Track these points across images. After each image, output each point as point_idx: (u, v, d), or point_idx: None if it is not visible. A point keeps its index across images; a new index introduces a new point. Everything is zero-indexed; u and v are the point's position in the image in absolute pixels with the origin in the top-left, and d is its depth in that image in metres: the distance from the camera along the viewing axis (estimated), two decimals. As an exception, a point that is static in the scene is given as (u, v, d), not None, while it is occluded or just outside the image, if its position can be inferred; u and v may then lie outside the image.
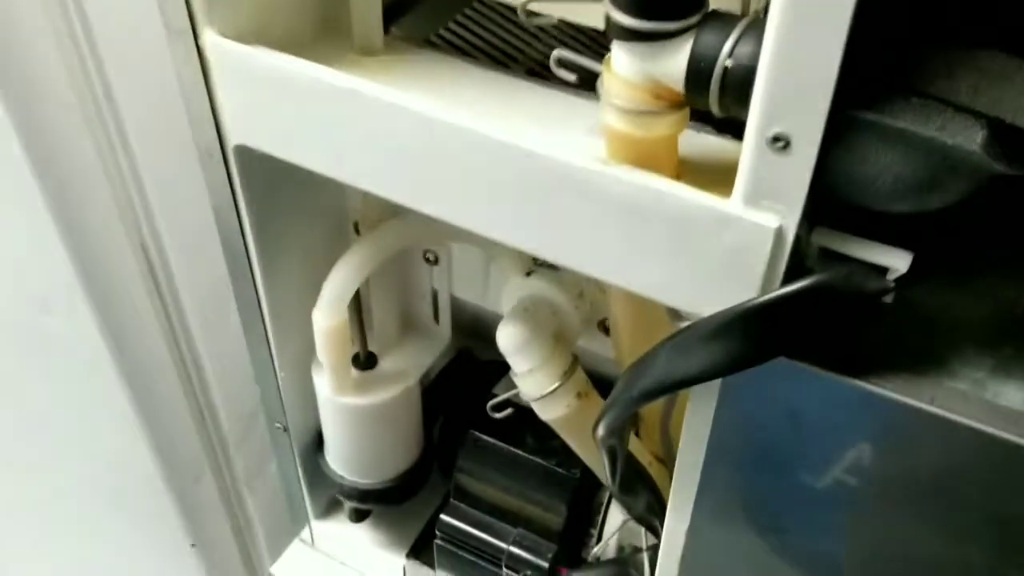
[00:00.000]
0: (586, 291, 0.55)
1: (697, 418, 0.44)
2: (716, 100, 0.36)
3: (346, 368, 0.58)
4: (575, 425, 0.55)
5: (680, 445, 0.46)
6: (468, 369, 0.74)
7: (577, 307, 0.55)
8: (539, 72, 0.56)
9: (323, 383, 0.60)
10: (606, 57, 0.38)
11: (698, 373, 0.39)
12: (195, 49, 0.43)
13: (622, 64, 0.37)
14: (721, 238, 0.36)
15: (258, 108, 0.44)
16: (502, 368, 0.73)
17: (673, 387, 0.41)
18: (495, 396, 0.70)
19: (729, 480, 0.46)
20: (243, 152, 0.47)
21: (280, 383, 0.61)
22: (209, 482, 1.01)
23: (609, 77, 0.38)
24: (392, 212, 0.58)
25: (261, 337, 0.58)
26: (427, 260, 0.63)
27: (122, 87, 0.67)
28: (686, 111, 0.39)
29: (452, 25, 0.53)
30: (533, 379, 0.53)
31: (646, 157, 0.39)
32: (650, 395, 0.42)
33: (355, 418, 0.61)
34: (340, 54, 0.48)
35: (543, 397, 0.53)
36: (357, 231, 0.62)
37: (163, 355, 0.84)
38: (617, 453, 0.49)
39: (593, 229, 0.39)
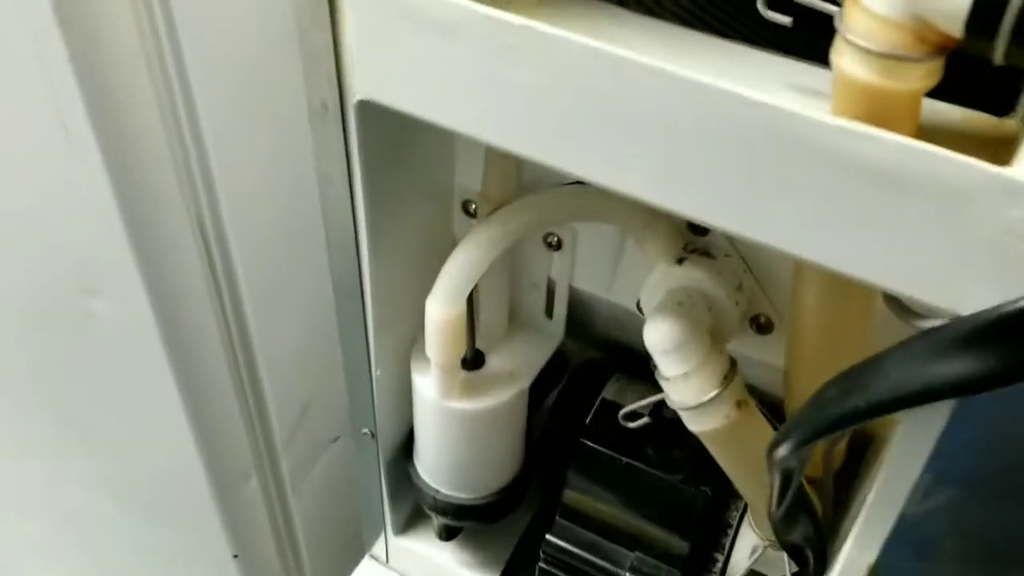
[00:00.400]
0: (745, 282, 0.49)
1: (914, 440, 0.38)
2: (1004, 43, 0.30)
3: (456, 368, 0.52)
4: (731, 438, 0.48)
5: (884, 467, 0.40)
6: (568, 370, 0.68)
7: (737, 301, 0.49)
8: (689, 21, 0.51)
9: (427, 384, 0.54)
10: (849, -10, 0.32)
11: (948, 387, 0.33)
12: (322, -21, 0.37)
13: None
14: (1004, 216, 0.30)
15: (396, 54, 0.38)
16: (605, 368, 0.67)
17: (906, 404, 0.34)
18: (604, 401, 0.64)
19: (946, 511, 0.40)
20: (366, 108, 0.41)
21: (374, 383, 0.56)
22: (255, 484, 0.96)
23: (856, 13, 0.32)
24: (516, 188, 0.52)
25: (359, 329, 0.53)
26: (548, 245, 0.56)
27: (190, 43, 0.61)
28: (943, 59, 0.32)
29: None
30: (688, 385, 0.47)
31: (886, 115, 0.33)
32: (871, 413, 0.35)
33: (462, 425, 0.55)
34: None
35: (699, 406, 0.47)
36: (466, 211, 0.56)
37: (215, 343, 0.79)
38: (793, 478, 0.43)
39: (822, 201, 0.33)
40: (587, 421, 0.62)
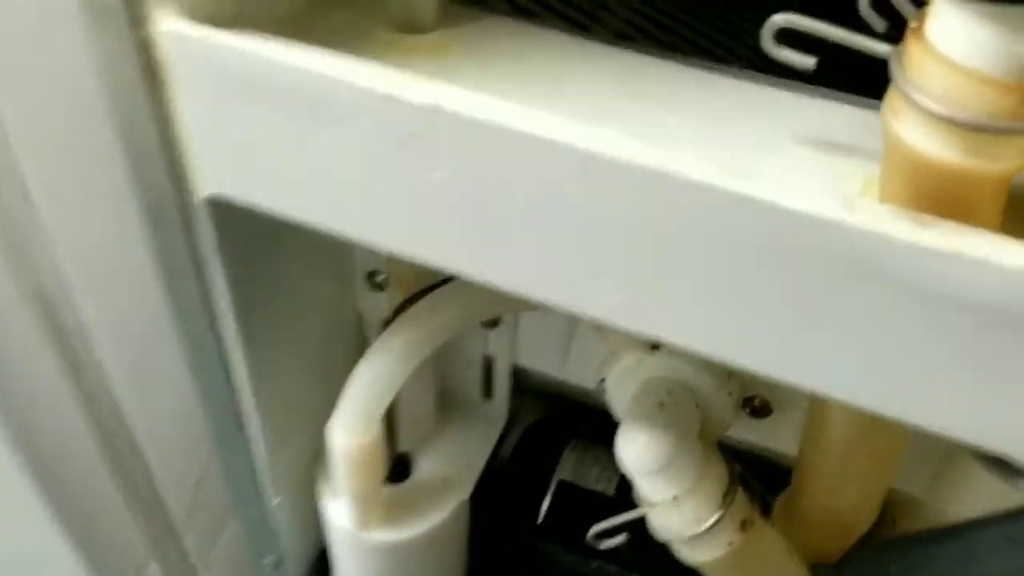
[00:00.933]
0: (737, 366, 0.40)
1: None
2: None
3: (376, 493, 0.42)
4: (735, 566, 0.39)
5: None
6: (511, 434, 0.58)
7: (730, 392, 0.39)
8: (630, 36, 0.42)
9: (339, 513, 0.44)
10: (912, 27, 0.22)
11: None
12: (132, 41, 0.26)
13: (973, 45, 0.21)
14: None
15: (254, 143, 0.27)
16: (557, 432, 0.57)
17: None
18: (561, 483, 0.55)
19: None
20: (219, 205, 0.31)
21: (272, 511, 0.45)
22: (155, 571, 0.85)
23: (930, 65, 0.22)
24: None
25: (243, 455, 0.42)
26: (482, 323, 0.46)
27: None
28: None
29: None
30: (679, 511, 0.37)
31: (965, 202, 0.24)
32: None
33: (388, 557, 0.45)
34: (365, 33, 0.31)
35: (694, 537, 0.37)
36: (373, 283, 0.45)
37: (79, 429, 0.68)
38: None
39: (894, 342, 0.23)
40: (543, 512, 0.53)
